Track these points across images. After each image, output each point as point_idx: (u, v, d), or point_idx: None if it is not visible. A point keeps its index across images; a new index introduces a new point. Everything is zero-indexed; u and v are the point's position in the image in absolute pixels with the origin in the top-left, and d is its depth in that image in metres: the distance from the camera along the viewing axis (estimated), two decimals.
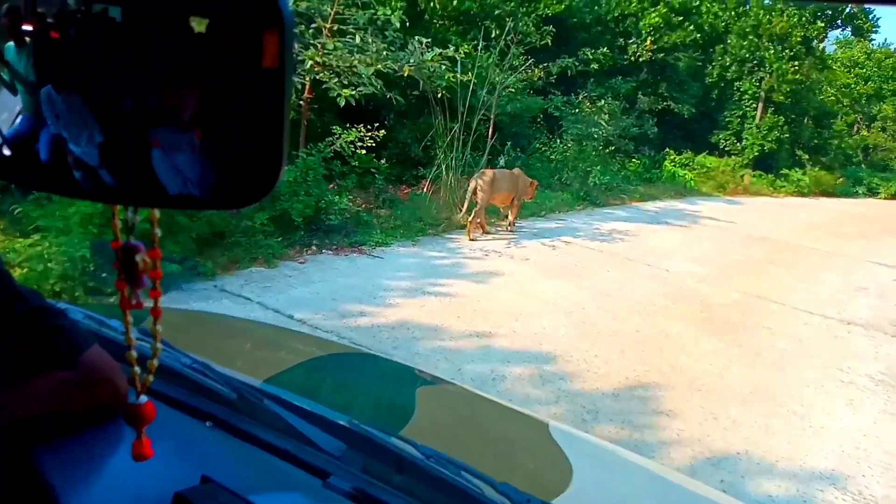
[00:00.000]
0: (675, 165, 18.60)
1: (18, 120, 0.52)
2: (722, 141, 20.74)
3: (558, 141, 13.65)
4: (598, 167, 13.41)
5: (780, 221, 13.98)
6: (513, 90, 13.94)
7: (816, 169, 21.39)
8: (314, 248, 7.36)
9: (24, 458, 0.90)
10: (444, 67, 9.29)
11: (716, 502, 1.45)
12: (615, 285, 7.29)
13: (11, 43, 0.50)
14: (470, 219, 8.55)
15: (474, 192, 8.57)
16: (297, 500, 0.97)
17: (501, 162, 11.43)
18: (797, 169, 20.86)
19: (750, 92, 20.78)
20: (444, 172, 9.97)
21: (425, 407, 1.60)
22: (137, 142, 0.48)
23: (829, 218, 15.66)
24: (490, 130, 11.38)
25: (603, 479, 1.41)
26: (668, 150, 18.98)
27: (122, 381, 0.98)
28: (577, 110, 14.19)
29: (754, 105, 20.76)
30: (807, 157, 21.21)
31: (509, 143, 11.62)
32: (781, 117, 20.44)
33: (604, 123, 14.04)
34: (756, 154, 20.26)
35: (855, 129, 25.40)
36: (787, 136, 20.66)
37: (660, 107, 15.81)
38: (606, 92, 15.69)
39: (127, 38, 0.47)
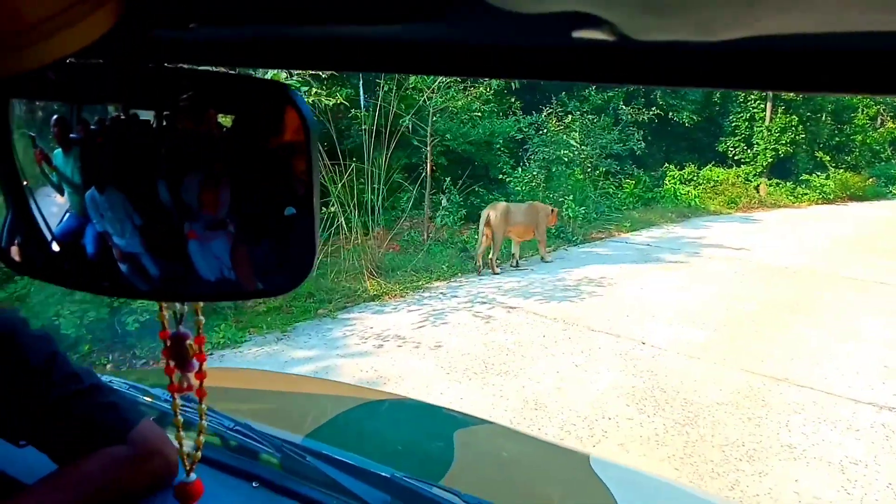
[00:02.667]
0: (676, 182, 16.59)
1: (66, 218, 0.56)
2: (730, 149, 18.49)
3: (520, 169, 11.01)
4: (572, 196, 10.77)
5: (804, 240, 11.82)
6: (478, 113, 11.58)
7: (841, 171, 19.08)
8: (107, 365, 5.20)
9: None
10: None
11: None
12: (554, 384, 5.04)
13: (59, 149, 0.54)
14: (489, 256, 8.42)
15: (486, 226, 8.22)
16: None
17: (444, 202, 9.81)
18: (818, 173, 18.60)
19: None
20: (344, 226, 7.84)
21: (464, 449, 1.60)
22: (176, 234, 0.51)
23: (863, 228, 13.43)
24: (429, 164, 9.76)
25: None
26: (667, 165, 16.98)
27: (172, 452, 1.02)
28: (543, 130, 11.52)
29: (762, 105, 18.17)
30: (828, 158, 18.88)
31: (448, 180, 9.13)
32: (794, 116, 17.93)
33: (575, 143, 11.39)
34: (770, 160, 17.86)
35: (879, 121, 22.25)
36: (803, 136, 18.11)
37: (647, 116, 13.04)
38: (582, 105, 13.46)
39: (161, 141, 0.50)
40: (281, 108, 0.49)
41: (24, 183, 0.57)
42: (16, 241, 0.59)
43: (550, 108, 12.37)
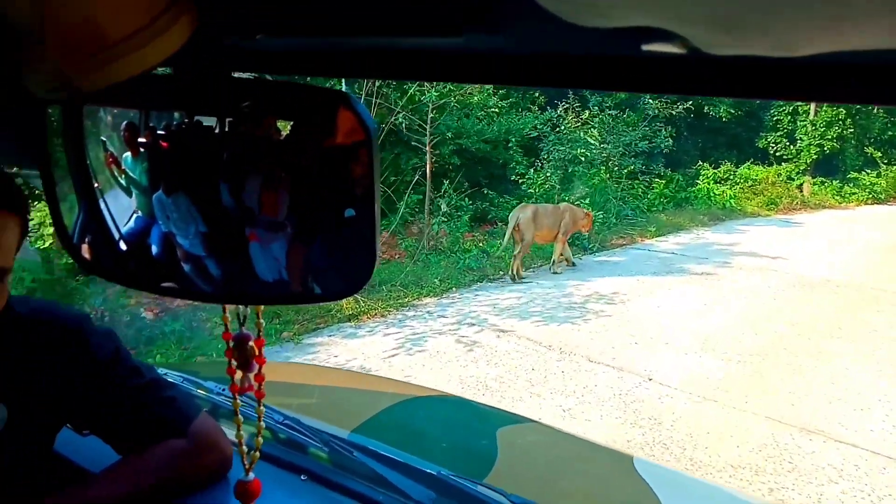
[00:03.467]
0: (710, 182, 15.37)
1: (133, 219, 0.59)
2: (772, 145, 17.25)
3: (532, 171, 10.11)
4: (589, 199, 9.84)
5: (849, 249, 10.62)
6: (496, 109, 10.73)
7: (894, 167, 17.48)
8: None
9: None
10: None
11: None
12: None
13: (129, 154, 0.56)
14: (515, 257, 7.99)
15: (515, 230, 7.91)
16: None
17: (443, 207, 9.03)
18: (868, 170, 17.10)
19: None
20: None
21: (507, 448, 1.58)
22: (237, 236, 0.53)
23: None
24: (428, 164, 9.09)
25: None
26: (701, 163, 15.75)
27: (227, 447, 1.09)
28: (560, 128, 10.53)
29: None
30: (879, 154, 17.22)
31: (446, 183, 8.24)
32: (841, 109, 16.33)
33: (593, 141, 10.38)
34: (814, 157, 16.45)
35: None
36: (852, 130, 16.67)
37: (678, 111, 11.92)
38: (604, 99, 12.41)
39: (224, 146, 0.53)
40: (341, 114, 0.50)
41: (95, 185, 0.59)
42: (86, 240, 0.62)
43: (567, 103, 11.28)
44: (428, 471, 1.17)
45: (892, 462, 3.73)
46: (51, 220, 0.62)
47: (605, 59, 0.45)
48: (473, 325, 6.08)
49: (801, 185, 16.25)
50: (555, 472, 1.56)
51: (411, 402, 1.88)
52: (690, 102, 13.51)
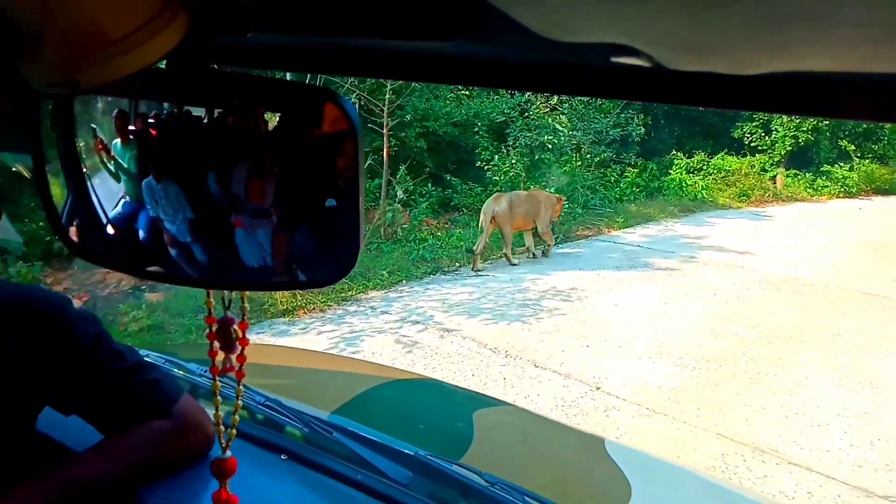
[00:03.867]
0: (682, 172, 14.98)
1: (121, 204, 0.60)
2: (747, 136, 16.84)
3: (497, 157, 9.63)
4: (555, 188, 9.52)
5: (820, 243, 10.34)
6: (466, 92, 10.41)
7: (867, 161, 17.37)
8: None
9: (131, 500, 1.00)
10: None
11: None
12: None
13: (118, 140, 0.58)
14: (477, 251, 7.83)
15: (492, 222, 7.75)
16: None
17: (399, 194, 8.65)
18: (841, 163, 16.89)
19: None
20: None
21: (483, 430, 1.63)
22: (223, 223, 0.55)
23: (888, 229, 11.84)
24: (385, 149, 8.59)
25: (661, 495, 1.44)
26: (675, 153, 15.50)
27: (210, 427, 1.11)
28: (528, 113, 10.09)
29: None
30: (853, 147, 17.09)
31: (402, 168, 7.81)
32: None
33: (561, 127, 9.94)
34: (789, 148, 16.11)
35: None
36: (827, 123, 16.25)
37: None
38: None
39: (212, 136, 0.55)
40: (327, 109, 0.52)
41: (84, 170, 0.60)
42: (74, 223, 0.63)
43: None
44: (406, 451, 1.21)
45: (847, 489, 3.35)
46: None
47: (576, 67, 0.49)
48: (418, 322, 5.65)
49: (775, 176, 16.01)
50: (528, 453, 1.59)
51: (390, 384, 1.92)
52: None
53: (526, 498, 1.10)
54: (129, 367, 1.08)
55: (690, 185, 13.93)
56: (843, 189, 16.18)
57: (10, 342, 0.97)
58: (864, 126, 17.69)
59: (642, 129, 11.70)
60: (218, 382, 0.76)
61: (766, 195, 14.91)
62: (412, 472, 1.17)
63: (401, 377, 2.09)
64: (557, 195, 8.67)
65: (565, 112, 10.82)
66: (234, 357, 0.72)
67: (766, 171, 16.18)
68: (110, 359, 1.06)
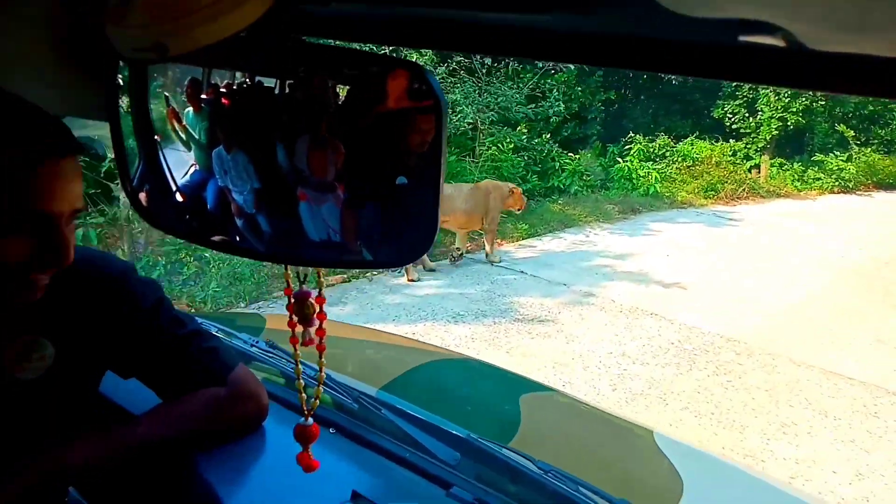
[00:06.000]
0: (636, 159, 12.52)
1: (191, 172, 0.61)
2: (728, 116, 14.47)
3: None
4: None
5: (790, 266, 7.94)
6: None
7: (868, 150, 14.81)
8: None
9: (188, 465, 1.05)
10: None
11: None
12: None
13: (190, 109, 0.60)
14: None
15: None
16: None
17: None
18: (837, 152, 14.44)
19: None
20: None
21: (530, 415, 1.60)
22: (288, 195, 0.55)
23: (890, 240, 9.41)
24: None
25: (714, 490, 1.43)
26: (633, 135, 13.03)
27: (264, 396, 1.15)
28: None
29: None
30: (852, 133, 14.73)
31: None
32: None
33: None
34: (775, 133, 13.77)
35: None
36: (823, 103, 13.99)
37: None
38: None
39: (283, 108, 0.55)
40: (412, 83, 0.51)
41: (156, 137, 0.63)
42: (145, 189, 0.65)
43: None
44: (454, 432, 1.21)
45: None
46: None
47: (697, 46, 0.45)
48: None
49: (758, 166, 13.98)
50: (577, 441, 1.57)
51: (437, 363, 1.91)
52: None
53: (580, 488, 1.06)
54: (188, 333, 1.10)
55: (644, 177, 10.81)
56: (837, 182, 14.12)
57: (75, 305, 1.01)
58: (870, 107, 14.58)
59: (561, 105, 8.65)
60: (299, 352, 0.73)
61: (741, 190, 12.61)
62: (460, 453, 1.16)
63: (447, 356, 2.11)
64: (512, 185, 7.67)
65: (465, 81, 7.92)
66: (312, 330, 0.69)
67: (751, 158, 14.14)
68: (170, 324, 1.08)
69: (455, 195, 6.96)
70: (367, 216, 0.55)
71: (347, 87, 0.53)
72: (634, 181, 11.70)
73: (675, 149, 13.10)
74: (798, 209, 11.87)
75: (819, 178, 13.88)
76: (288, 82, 0.54)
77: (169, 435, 1.03)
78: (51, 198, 0.81)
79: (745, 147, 13.99)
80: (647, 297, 6.48)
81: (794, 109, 13.55)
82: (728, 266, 7.73)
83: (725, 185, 12.54)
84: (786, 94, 13.50)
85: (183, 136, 0.61)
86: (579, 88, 12.04)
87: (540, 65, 9.20)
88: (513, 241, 8.20)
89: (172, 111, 0.61)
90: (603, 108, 13.13)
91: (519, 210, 7.69)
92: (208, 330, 1.18)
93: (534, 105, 9.25)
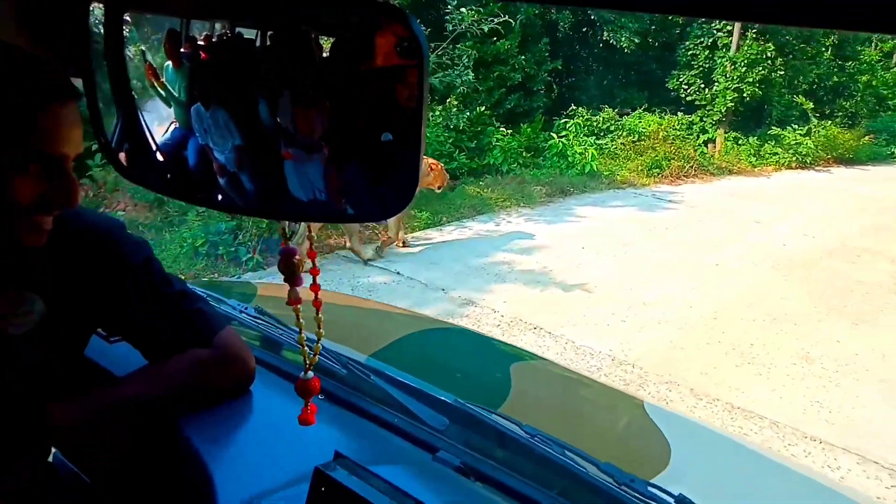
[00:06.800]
0: (572, 135, 11.42)
1: (171, 130, 0.59)
2: (683, 87, 13.46)
3: None
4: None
5: (715, 265, 6.81)
6: None
7: (828, 123, 14.12)
8: None
9: (172, 429, 1.04)
10: None
11: (813, 479, 1.47)
12: None
13: (170, 64, 0.57)
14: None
15: None
16: (413, 473, 1.01)
17: None
18: (795, 126, 13.60)
19: None
20: None
21: (520, 383, 1.62)
22: (272, 154, 0.54)
23: (840, 224, 8.66)
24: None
25: (702, 457, 1.44)
26: (575, 108, 12.08)
27: (251, 359, 1.14)
28: None
29: (728, 25, 12.98)
30: (811, 105, 13.97)
31: None
32: (770, 44, 12.90)
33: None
34: (730, 105, 12.85)
35: (895, 59, 17.43)
36: (781, 73, 13.10)
37: (563, 30, 8.53)
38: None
39: (262, 61, 0.53)
40: (394, 31, 0.48)
41: (134, 94, 0.61)
42: (124, 147, 0.63)
43: None
44: (442, 398, 1.20)
45: None
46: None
47: None
48: None
49: (713, 140, 13.04)
50: (566, 409, 1.57)
51: (427, 332, 1.92)
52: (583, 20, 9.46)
53: (566, 452, 1.07)
54: (176, 293, 1.10)
55: (579, 155, 9.67)
56: (795, 157, 13.40)
57: (65, 261, 1.01)
58: (835, 78, 13.47)
59: (470, 73, 7.48)
60: (299, 308, 0.71)
61: (688, 167, 11.24)
62: (448, 419, 1.16)
63: (439, 325, 2.12)
64: (432, 160, 6.80)
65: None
66: (298, 289, 0.68)
67: (706, 132, 13.16)
68: (158, 283, 1.08)
69: None
70: (351, 174, 0.53)
71: (332, 39, 0.50)
72: (570, 158, 10.61)
73: (620, 122, 11.99)
74: (748, 188, 11.26)
75: (776, 154, 13.34)
76: (269, 34, 0.51)
77: (154, 395, 1.03)
78: (56, 141, 0.83)
79: (701, 120, 13.31)
80: (539, 305, 5.58)
81: (751, 80, 13.11)
82: (649, 260, 6.96)
83: (671, 161, 11.55)
84: (742, 64, 12.74)
85: (162, 92, 0.58)
86: (522, 57, 10.94)
87: (450, 28, 7.99)
88: (406, 233, 6.95)
89: (150, 67, 0.58)
90: (549, 78, 12.04)
91: (440, 189, 6.98)
92: (195, 291, 1.17)
93: (441, 74, 8.05)
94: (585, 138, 11.60)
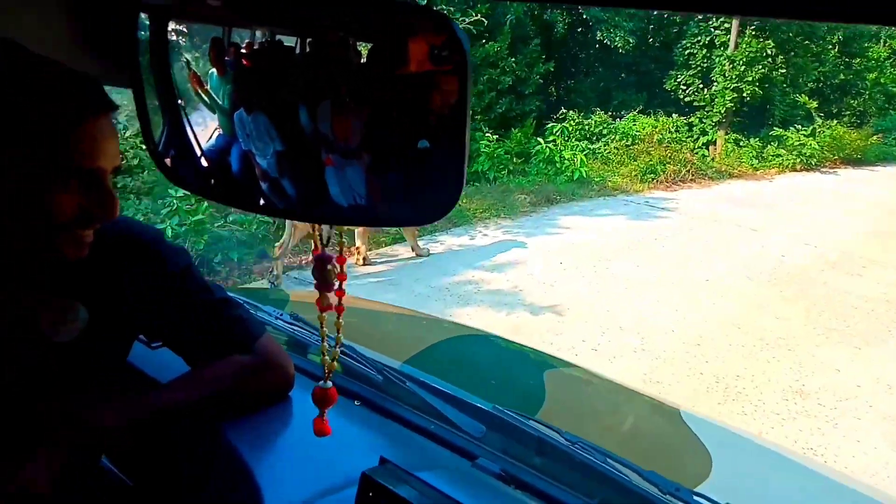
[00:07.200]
0: (576, 138, 11.18)
1: (215, 137, 0.61)
2: (681, 88, 12.98)
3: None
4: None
5: (704, 282, 6.21)
6: None
7: (834, 123, 13.46)
8: None
9: (215, 434, 1.07)
10: None
11: (857, 490, 1.43)
12: None
13: (214, 71, 0.58)
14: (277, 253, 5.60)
15: None
16: (456, 480, 0.98)
17: None
18: (799, 126, 12.96)
19: None
20: None
21: (554, 390, 1.60)
22: (313, 160, 0.55)
23: (842, 234, 8.02)
24: None
25: (744, 467, 1.40)
26: (566, 112, 11.60)
27: (290, 366, 1.16)
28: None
29: (726, 22, 12.50)
30: (815, 104, 13.44)
31: None
32: (770, 41, 12.33)
33: None
34: (730, 105, 12.33)
35: None
36: (783, 71, 12.55)
37: (559, 32, 8.10)
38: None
39: (302, 68, 0.54)
40: (436, 36, 0.48)
41: (179, 102, 0.63)
42: (170, 153, 0.66)
43: None
44: (479, 405, 1.19)
45: None
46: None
47: None
48: None
49: (713, 142, 12.42)
50: (603, 416, 1.56)
51: (459, 339, 1.90)
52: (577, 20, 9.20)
53: (608, 459, 1.04)
54: (216, 300, 1.12)
55: (568, 160, 9.16)
56: (799, 159, 12.76)
57: (107, 269, 1.03)
58: (842, 76, 12.93)
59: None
60: (324, 315, 0.72)
61: (685, 171, 10.49)
62: (485, 426, 1.15)
63: (470, 332, 2.07)
64: None
65: None
66: (331, 295, 0.69)
67: (707, 133, 12.59)
68: (198, 291, 1.10)
69: None
70: (390, 179, 0.54)
71: (369, 45, 0.50)
72: (558, 165, 10.05)
73: (613, 126, 11.43)
74: (748, 193, 10.70)
75: (779, 155, 12.81)
76: (308, 41, 0.52)
77: (198, 400, 1.05)
78: (95, 154, 0.85)
79: (701, 122, 12.93)
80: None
81: (751, 79, 12.74)
82: (632, 276, 6.40)
83: (668, 166, 10.94)
84: (741, 62, 12.24)
85: (206, 99, 0.60)
86: (513, 59, 10.45)
87: None
88: (372, 248, 6.49)
89: (194, 75, 0.60)
90: (542, 80, 11.57)
91: None
92: (235, 298, 1.19)
93: None
94: (577, 143, 11.19)
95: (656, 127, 11.83)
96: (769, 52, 12.48)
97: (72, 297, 0.99)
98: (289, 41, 0.52)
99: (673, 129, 12.15)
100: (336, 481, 0.93)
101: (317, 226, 0.66)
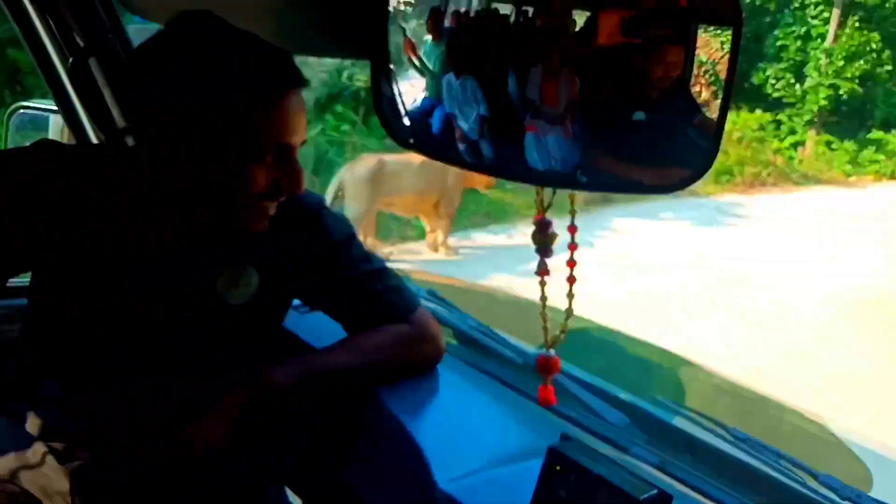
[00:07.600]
0: None
1: (420, 99, 0.66)
2: (771, 81, 12.02)
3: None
4: None
5: (742, 317, 5.32)
6: None
7: None
8: None
9: (375, 398, 1.10)
10: None
11: None
12: None
13: (429, 38, 0.63)
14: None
15: (338, 198, 5.55)
16: (612, 469, 0.91)
17: None
18: None
19: None
20: None
21: (693, 392, 1.61)
22: (515, 125, 0.56)
23: None
24: None
25: None
26: None
27: (442, 340, 1.19)
28: None
29: (825, 12, 11.46)
30: None
31: None
32: (875, 34, 11.36)
33: None
34: (824, 103, 11.41)
35: None
36: (888, 68, 11.48)
37: None
38: None
39: (517, 34, 0.56)
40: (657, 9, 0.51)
41: (391, 66, 0.67)
42: (389, 113, 0.69)
43: None
44: (620, 396, 1.18)
45: None
46: None
47: None
48: None
49: (803, 143, 11.47)
50: (745, 424, 1.33)
51: (585, 330, 1.82)
52: None
53: (780, 459, 1.00)
54: (376, 269, 1.13)
55: None
56: None
57: (274, 240, 1.06)
58: None
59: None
60: (545, 280, 0.71)
61: (767, 174, 10.59)
62: (630, 418, 1.13)
63: (592, 325, 1.96)
64: None
65: None
66: (547, 261, 0.69)
67: (796, 133, 11.62)
68: (359, 259, 1.12)
69: (401, 171, 5.73)
70: (596, 146, 0.54)
71: (587, 13, 0.52)
72: None
73: None
74: (836, 202, 9.67)
75: (876, 161, 11.86)
76: (524, 9, 0.55)
77: (357, 365, 1.08)
78: (289, 130, 0.88)
79: (790, 120, 12.12)
80: None
81: (850, 75, 11.90)
82: (683, 293, 5.56)
83: (746, 167, 9.96)
84: (839, 56, 11.24)
85: (417, 64, 0.64)
86: None
87: None
88: (392, 244, 6.16)
89: (409, 42, 0.64)
90: None
91: (487, 189, 6.37)
92: (393, 270, 1.22)
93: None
94: None
95: (736, 123, 10.97)
96: (874, 45, 11.80)
97: (247, 263, 1.05)
98: (503, 9, 0.56)
99: (756, 127, 11.63)
100: (499, 454, 0.96)
101: (540, 189, 0.66)
